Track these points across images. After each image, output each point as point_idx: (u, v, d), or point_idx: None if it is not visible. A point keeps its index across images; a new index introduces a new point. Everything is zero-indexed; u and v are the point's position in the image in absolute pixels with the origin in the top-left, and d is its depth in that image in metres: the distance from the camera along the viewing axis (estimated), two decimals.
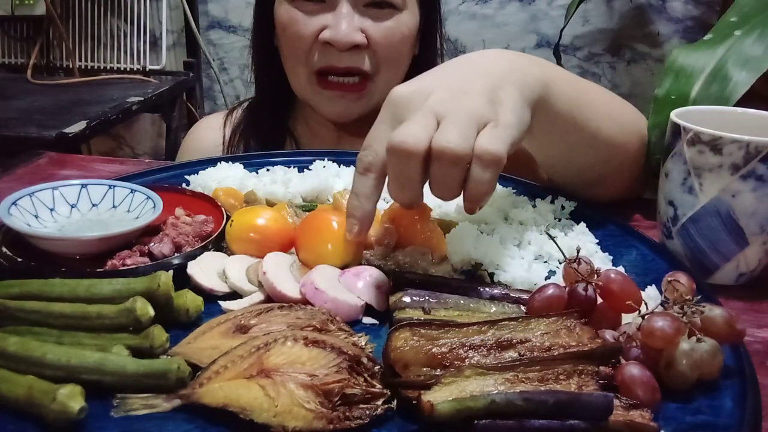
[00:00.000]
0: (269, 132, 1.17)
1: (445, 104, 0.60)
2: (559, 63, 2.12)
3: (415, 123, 0.59)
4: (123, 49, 2.42)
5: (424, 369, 0.50)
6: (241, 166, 0.89)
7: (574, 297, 0.56)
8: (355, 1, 1.01)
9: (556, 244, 0.64)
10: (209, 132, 1.23)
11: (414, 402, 0.47)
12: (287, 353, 0.50)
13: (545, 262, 0.72)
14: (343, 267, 0.66)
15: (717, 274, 0.71)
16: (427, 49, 1.13)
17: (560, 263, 0.70)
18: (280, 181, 0.85)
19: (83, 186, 0.75)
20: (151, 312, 0.55)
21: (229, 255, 0.69)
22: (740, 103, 0.80)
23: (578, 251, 0.59)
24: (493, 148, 0.58)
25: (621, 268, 0.68)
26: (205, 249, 0.68)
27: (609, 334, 0.53)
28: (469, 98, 0.61)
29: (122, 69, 2.41)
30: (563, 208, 0.81)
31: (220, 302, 0.63)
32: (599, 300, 0.57)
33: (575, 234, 0.75)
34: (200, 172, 0.87)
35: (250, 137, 1.18)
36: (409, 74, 1.09)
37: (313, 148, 1.17)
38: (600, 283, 0.56)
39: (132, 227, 0.67)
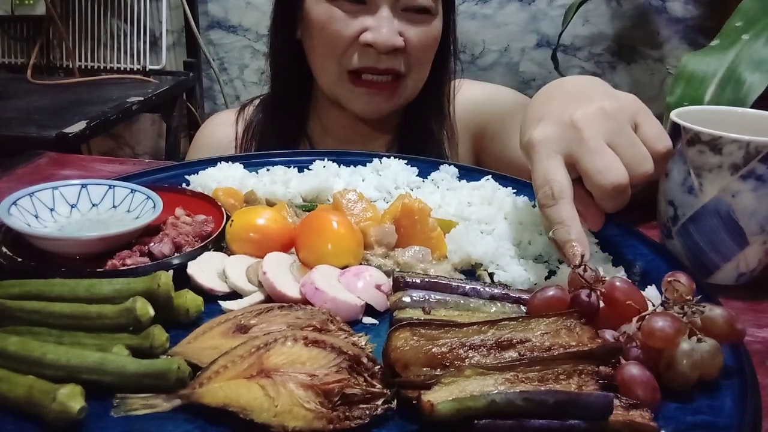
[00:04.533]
0: (286, 128, 1.18)
1: (602, 127, 0.64)
2: (556, 67, 2.12)
3: (604, 154, 0.63)
4: (123, 49, 2.41)
5: (424, 369, 0.50)
6: (241, 166, 0.89)
7: (577, 303, 0.55)
8: (394, 5, 1.03)
9: (559, 250, 0.63)
10: (222, 128, 1.23)
11: (414, 402, 0.47)
12: (287, 353, 0.50)
13: (545, 262, 0.72)
14: (343, 267, 0.66)
15: (717, 274, 0.71)
16: (444, 51, 1.15)
17: (560, 263, 0.70)
18: (280, 181, 0.85)
19: (83, 186, 0.75)
20: (151, 312, 0.55)
21: (229, 255, 0.69)
22: (754, 106, 0.80)
23: (582, 257, 0.59)
24: (665, 144, 0.66)
25: (621, 268, 0.68)
26: (205, 249, 0.68)
27: (609, 334, 0.53)
28: (609, 118, 0.65)
29: (122, 69, 2.41)
30: None
31: (220, 302, 0.63)
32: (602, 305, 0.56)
33: None
34: (200, 172, 0.87)
35: (266, 133, 1.18)
36: (430, 74, 1.13)
37: (324, 144, 1.18)
38: (603, 291, 0.56)
39: (132, 227, 0.67)
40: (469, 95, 1.21)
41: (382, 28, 1.01)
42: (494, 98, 1.20)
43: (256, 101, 1.25)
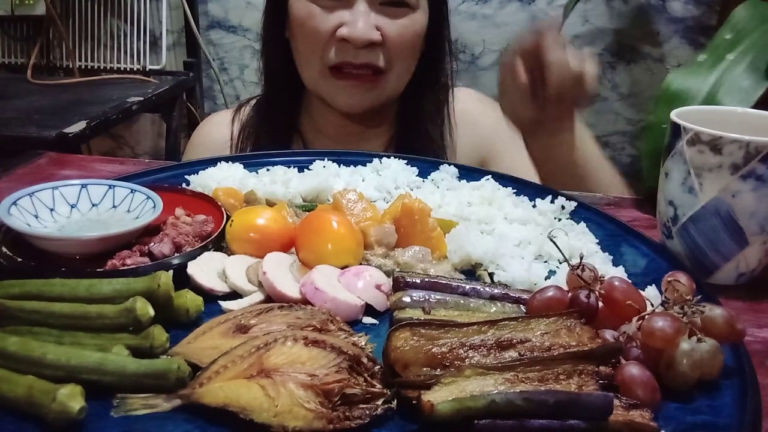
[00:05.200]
0: (279, 128, 1.18)
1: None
2: None
3: (563, 53, 0.88)
4: (123, 49, 2.41)
5: (424, 369, 0.50)
6: (241, 166, 0.89)
7: (576, 304, 0.55)
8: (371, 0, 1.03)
9: (559, 249, 0.63)
10: (218, 128, 1.23)
11: (414, 402, 0.47)
12: (287, 353, 0.50)
13: (545, 262, 0.72)
14: (343, 267, 0.66)
15: (717, 274, 0.71)
16: (435, 48, 1.15)
17: (560, 263, 0.70)
18: (280, 181, 0.85)
19: (83, 186, 0.75)
20: (151, 312, 0.55)
21: (229, 255, 0.69)
22: (754, 107, 0.80)
23: (581, 258, 0.59)
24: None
25: (621, 268, 0.68)
26: (205, 249, 0.68)
27: (609, 334, 0.53)
28: None
29: (122, 69, 2.41)
30: (563, 208, 0.81)
31: (220, 302, 0.63)
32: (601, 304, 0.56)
33: (575, 234, 0.75)
34: (200, 172, 0.87)
35: (260, 133, 1.19)
36: (417, 71, 1.12)
37: (318, 145, 1.18)
38: (602, 291, 0.56)
39: (132, 227, 0.67)
40: (471, 108, 1.21)
41: (358, 22, 1.01)
42: (498, 115, 1.20)
43: (253, 101, 1.25)
